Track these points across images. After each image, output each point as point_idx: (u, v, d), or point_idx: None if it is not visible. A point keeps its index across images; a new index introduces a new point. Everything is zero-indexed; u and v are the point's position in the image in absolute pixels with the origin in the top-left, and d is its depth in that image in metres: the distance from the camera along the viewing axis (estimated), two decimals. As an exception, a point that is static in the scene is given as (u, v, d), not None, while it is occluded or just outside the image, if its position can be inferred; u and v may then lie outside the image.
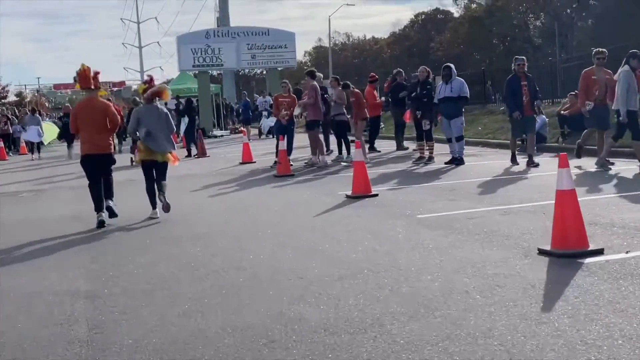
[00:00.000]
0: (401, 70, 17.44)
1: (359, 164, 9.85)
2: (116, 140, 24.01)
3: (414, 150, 16.51)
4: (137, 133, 9.04)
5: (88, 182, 8.94)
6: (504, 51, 75.50)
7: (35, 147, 24.56)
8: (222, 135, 31.36)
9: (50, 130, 27.03)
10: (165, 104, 18.39)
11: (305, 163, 14.89)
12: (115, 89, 40.11)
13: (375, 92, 17.04)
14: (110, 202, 8.96)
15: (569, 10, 65.52)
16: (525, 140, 14.88)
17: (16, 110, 32.53)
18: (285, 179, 12.60)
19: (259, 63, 32.85)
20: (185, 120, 21.94)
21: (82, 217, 9.42)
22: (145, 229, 8.45)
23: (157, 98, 9.22)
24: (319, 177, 12.75)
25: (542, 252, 5.87)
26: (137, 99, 16.97)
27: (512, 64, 12.13)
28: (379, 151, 16.82)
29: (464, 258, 5.90)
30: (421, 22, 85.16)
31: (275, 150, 14.48)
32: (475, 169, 12.51)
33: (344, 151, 15.04)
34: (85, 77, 8.79)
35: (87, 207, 9.80)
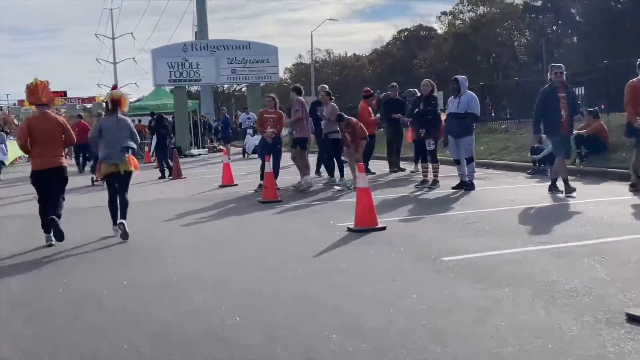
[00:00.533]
0: (395, 84, 15.90)
1: (363, 191, 8.26)
2: (80, 159, 22.42)
3: (412, 172, 15.03)
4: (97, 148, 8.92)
5: (38, 199, 8.51)
6: (489, 68, 74.87)
7: None
8: (199, 154, 29.66)
9: (14, 150, 25.07)
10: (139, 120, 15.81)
11: (293, 187, 13.30)
12: (87, 105, 38.26)
13: (369, 108, 15.47)
14: (57, 220, 8.14)
15: (554, 27, 64.90)
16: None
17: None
18: (271, 205, 10.98)
19: (239, 78, 31.18)
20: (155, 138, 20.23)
21: (25, 255, 7.73)
22: (100, 271, 6.77)
23: (118, 108, 8.89)
24: (311, 204, 11.12)
25: (632, 318, 4.32)
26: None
27: (548, 73, 10.48)
28: (374, 173, 15.28)
29: (529, 328, 4.32)
30: (404, 39, 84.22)
31: (260, 172, 12.88)
32: (489, 195, 10.99)
33: (337, 173, 13.47)
34: (35, 93, 8.45)
35: (35, 243, 8.15)
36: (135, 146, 8.75)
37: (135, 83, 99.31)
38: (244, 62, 30.73)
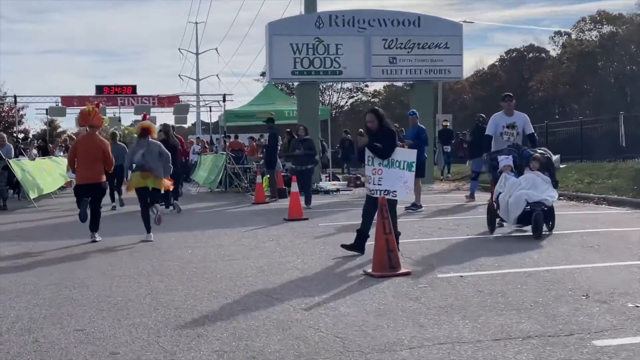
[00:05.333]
0: None
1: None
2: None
3: None
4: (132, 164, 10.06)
5: (78, 202, 9.81)
6: (618, 92, 62.56)
7: None
8: (337, 190, 18.33)
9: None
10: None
11: None
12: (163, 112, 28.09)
13: None
14: (96, 234, 9.88)
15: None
16: None
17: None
18: None
19: (401, 71, 19.68)
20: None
21: None
22: None
23: (148, 134, 10.09)
24: None
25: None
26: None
27: None
28: None
29: None
30: (510, 60, 71.60)
31: None
32: None
33: None
34: (87, 117, 9.94)
35: None
36: (162, 171, 9.98)
37: (218, 101, 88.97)
38: (410, 47, 19.45)
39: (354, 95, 62.64)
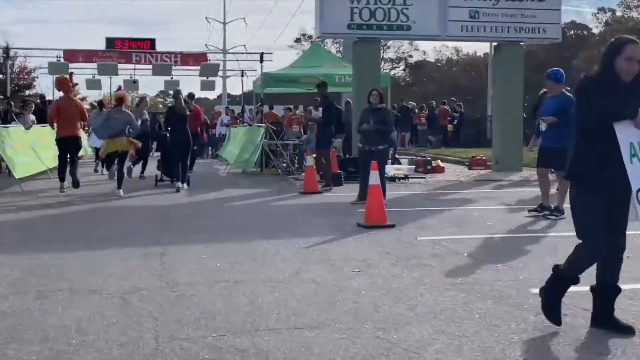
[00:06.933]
0: None
1: None
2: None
3: None
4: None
5: (59, 156, 11.89)
6: None
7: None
8: (405, 177, 14.45)
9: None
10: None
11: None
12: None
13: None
14: (77, 174, 11.84)
15: None
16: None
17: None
18: None
19: (484, 29, 15.70)
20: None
21: None
22: None
23: (122, 103, 11.78)
24: None
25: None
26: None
27: None
28: None
29: None
30: None
31: None
32: None
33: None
34: (66, 84, 11.87)
35: None
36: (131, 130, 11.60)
37: (243, 71, 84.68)
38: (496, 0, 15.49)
39: (397, 66, 58.26)
